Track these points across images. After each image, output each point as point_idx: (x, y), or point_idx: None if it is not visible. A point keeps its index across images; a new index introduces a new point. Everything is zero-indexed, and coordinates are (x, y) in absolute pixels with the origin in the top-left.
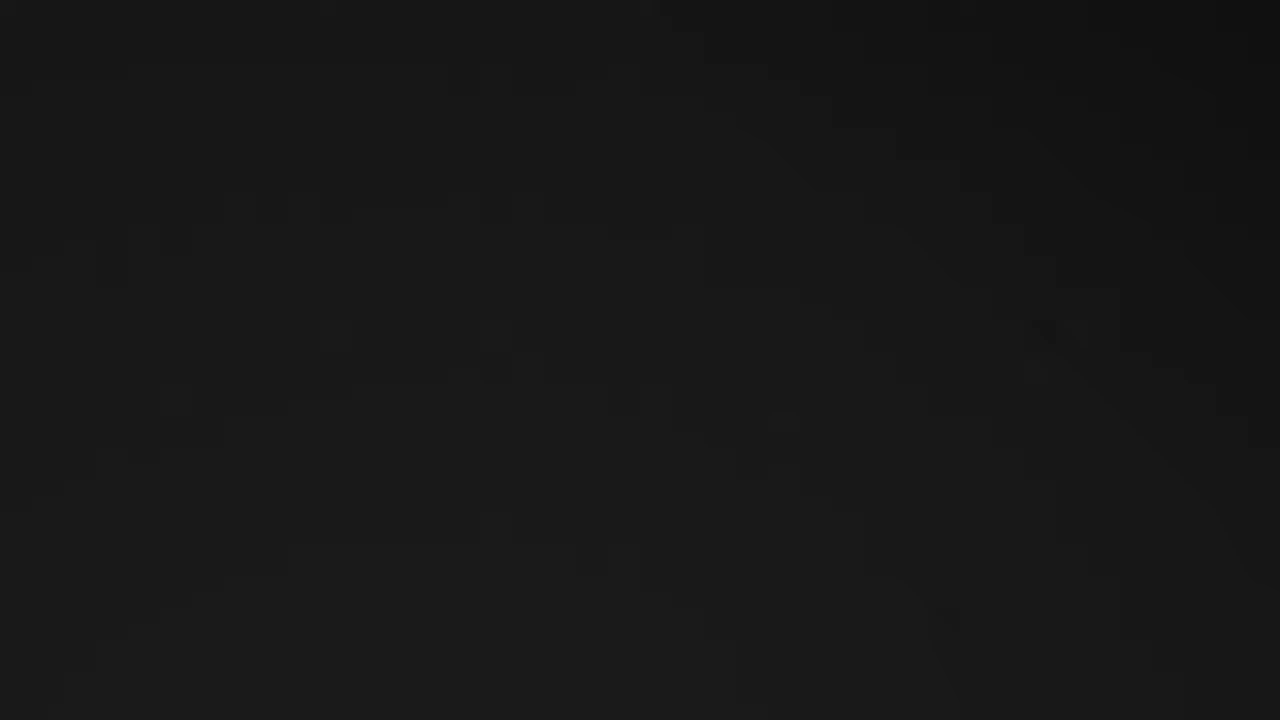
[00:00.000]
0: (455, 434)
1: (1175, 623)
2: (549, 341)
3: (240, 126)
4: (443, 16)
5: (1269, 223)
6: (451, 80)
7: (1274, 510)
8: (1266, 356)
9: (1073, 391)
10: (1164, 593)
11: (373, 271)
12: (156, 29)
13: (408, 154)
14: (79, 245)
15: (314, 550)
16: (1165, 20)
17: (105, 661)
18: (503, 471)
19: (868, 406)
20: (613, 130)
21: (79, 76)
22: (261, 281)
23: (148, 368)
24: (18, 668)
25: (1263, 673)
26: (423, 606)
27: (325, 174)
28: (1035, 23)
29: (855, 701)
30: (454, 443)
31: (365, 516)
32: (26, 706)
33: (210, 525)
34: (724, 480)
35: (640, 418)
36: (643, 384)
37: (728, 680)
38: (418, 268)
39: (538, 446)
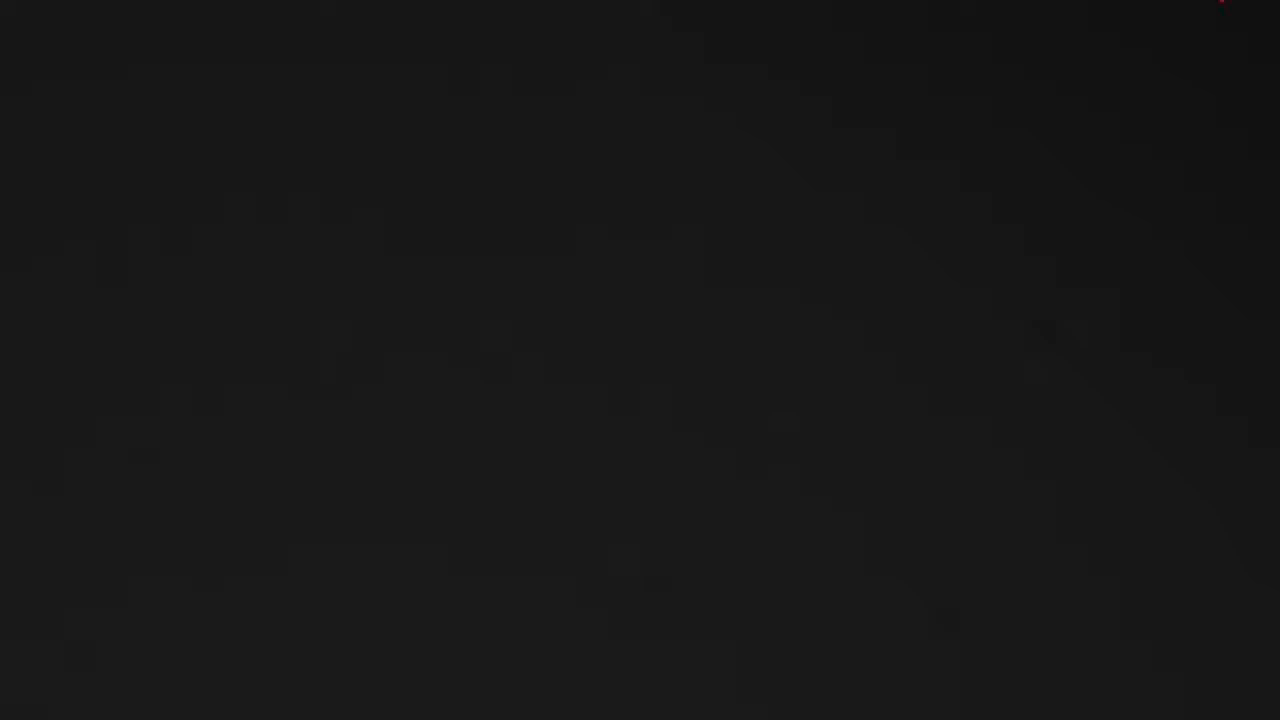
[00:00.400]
0: (455, 434)
1: (1175, 623)
2: (549, 341)
3: (240, 126)
4: (443, 16)
5: (1269, 223)
6: (451, 80)
7: (1274, 510)
8: (1266, 356)
9: (1073, 391)
10: (1164, 593)
11: (373, 271)
12: (156, 29)
13: (408, 154)
14: (79, 245)
15: (314, 550)
16: (1165, 20)
17: (105, 661)
18: (503, 471)
19: (868, 406)
20: (613, 130)
21: (79, 76)
22: (261, 281)
23: (148, 368)
24: (18, 667)
25: (1263, 673)
26: (422, 606)
27: (325, 174)
28: (1035, 23)
29: (855, 701)
30: (454, 443)
31: (365, 516)
32: (26, 706)
33: (209, 525)
34: (724, 480)
35: (640, 418)
36: (643, 384)
37: (728, 680)
38: (418, 268)
39: (538, 446)
